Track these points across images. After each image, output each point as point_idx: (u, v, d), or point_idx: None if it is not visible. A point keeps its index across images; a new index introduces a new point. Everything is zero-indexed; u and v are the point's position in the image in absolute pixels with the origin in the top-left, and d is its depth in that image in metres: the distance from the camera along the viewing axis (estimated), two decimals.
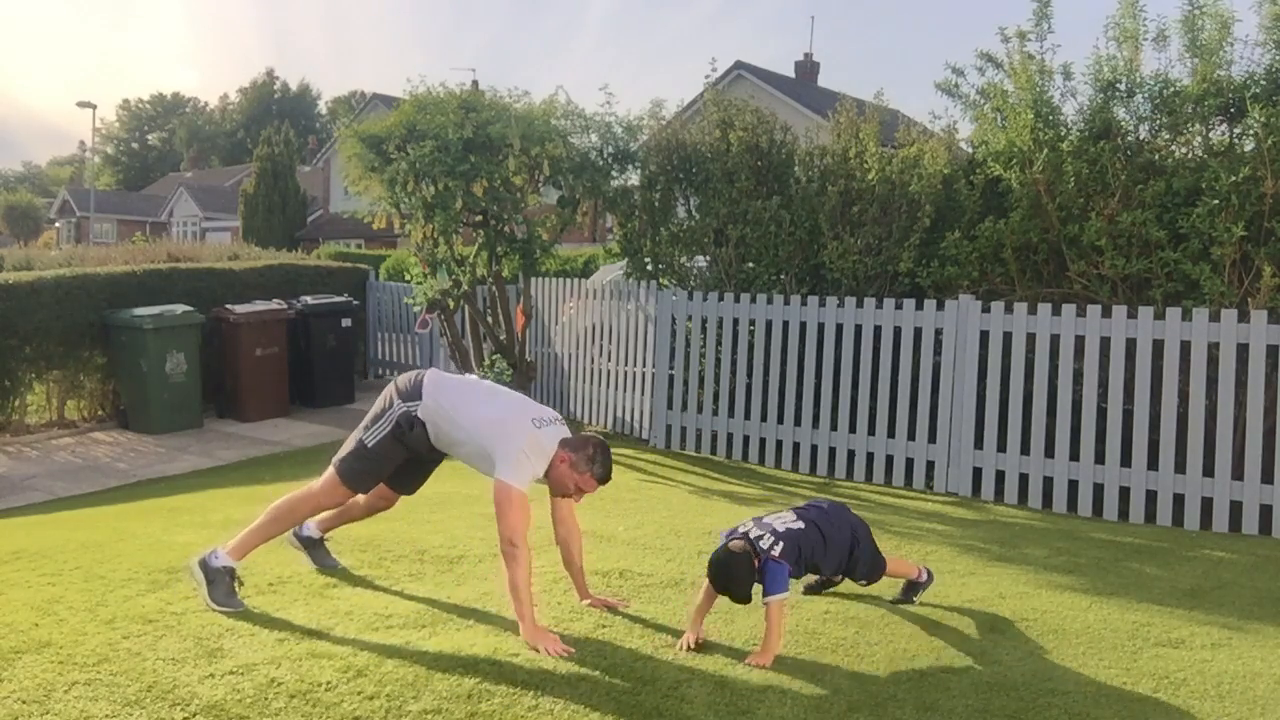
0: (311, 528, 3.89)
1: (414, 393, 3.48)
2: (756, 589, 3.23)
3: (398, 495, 3.82)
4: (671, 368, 7.79)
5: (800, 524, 3.41)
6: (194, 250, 12.72)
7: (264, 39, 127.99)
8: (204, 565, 3.45)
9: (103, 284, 9.13)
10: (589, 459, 3.37)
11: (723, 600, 3.51)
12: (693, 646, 3.17)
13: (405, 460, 3.59)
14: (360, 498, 3.78)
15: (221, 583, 3.42)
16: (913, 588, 3.80)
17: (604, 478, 3.42)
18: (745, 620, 3.45)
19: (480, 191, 7.67)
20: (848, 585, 3.86)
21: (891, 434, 6.65)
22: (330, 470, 3.58)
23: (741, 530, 3.35)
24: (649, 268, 8.35)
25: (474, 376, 3.69)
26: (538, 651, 3.07)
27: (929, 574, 3.85)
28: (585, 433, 3.47)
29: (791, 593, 3.35)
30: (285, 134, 33.82)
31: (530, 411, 3.45)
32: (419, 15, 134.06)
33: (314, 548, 3.92)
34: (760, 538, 3.29)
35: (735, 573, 3.19)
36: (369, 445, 3.51)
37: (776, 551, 3.26)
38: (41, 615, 3.29)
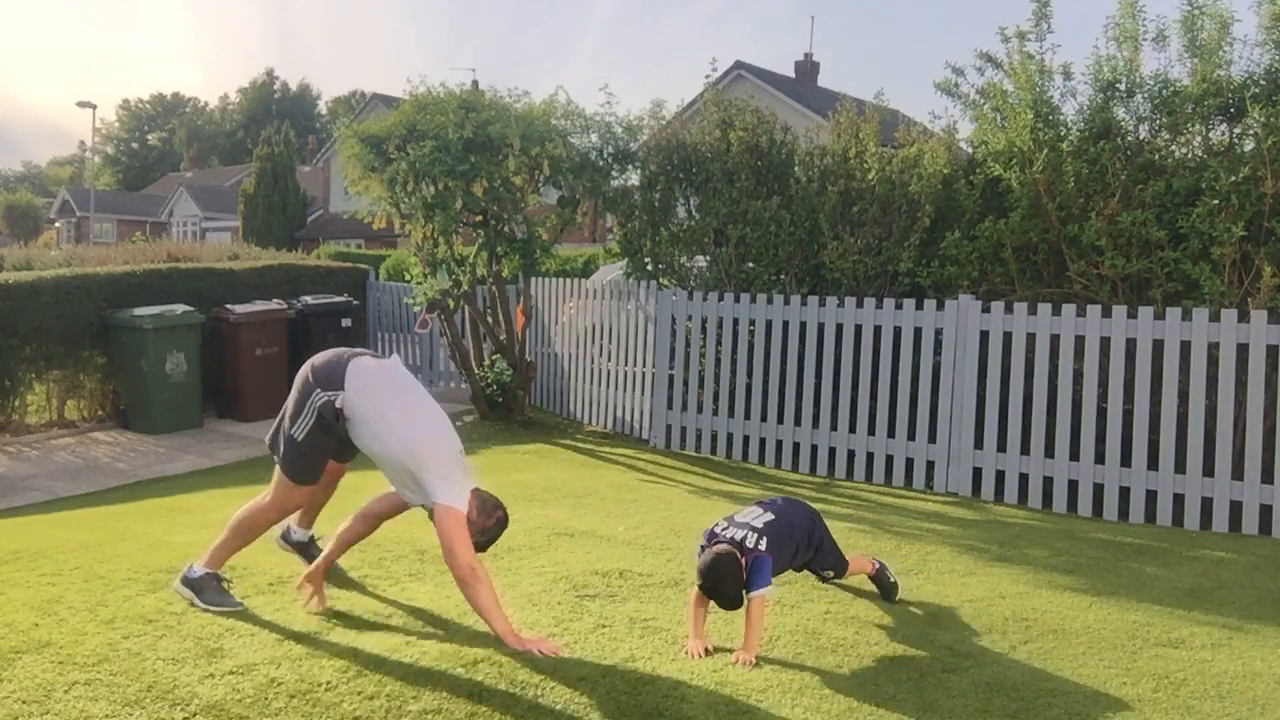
0: (297, 530, 3.88)
1: (334, 380, 3.27)
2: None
3: (343, 466, 3.64)
4: (671, 368, 7.79)
5: (770, 514, 3.46)
6: (194, 250, 12.70)
7: (266, 38, 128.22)
8: (186, 581, 3.44)
9: (103, 284, 9.12)
10: (483, 528, 3.21)
11: None
12: (702, 655, 3.16)
13: (340, 440, 3.41)
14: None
15: (209, 586, 3.42)
16: (881, 583, 3.83)
17: (482, 549, 3.25)
18: (745, 621, 3.45)
19: (480, 191, 7.67)
20: (847, 584, 3.86)
21: (891, 434, 6.65)
22: (278, 473, 3.44)
23: (720, 533, 3.36)
24: (649, 268, 8.35)
25: (398, 367, 3.45)
26: (530, 654, 3.05)
27: (878, 563, 3.88)
28: (497, 499, 3.32)
29: (775, 587, 3.36)
30: (285, 134, 33.84)
31: (457, 441, 3.31)
32: (421, 15, 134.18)
33: (307, 549, 3.91)
34: (745, 537, 3.31)
35: (724, 574, 3.19)
36: (298, 439, 3.34)
37: (763, 546, 3.29)
38: (41, 615, 3.29)
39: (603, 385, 8.67)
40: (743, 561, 3.23)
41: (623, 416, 8.41)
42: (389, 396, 3.30)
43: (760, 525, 3.38)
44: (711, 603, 3.32)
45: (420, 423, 3.28)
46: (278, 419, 3.50)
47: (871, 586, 3.87)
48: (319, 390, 3.29)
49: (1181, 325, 5.62)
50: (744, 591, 3.23)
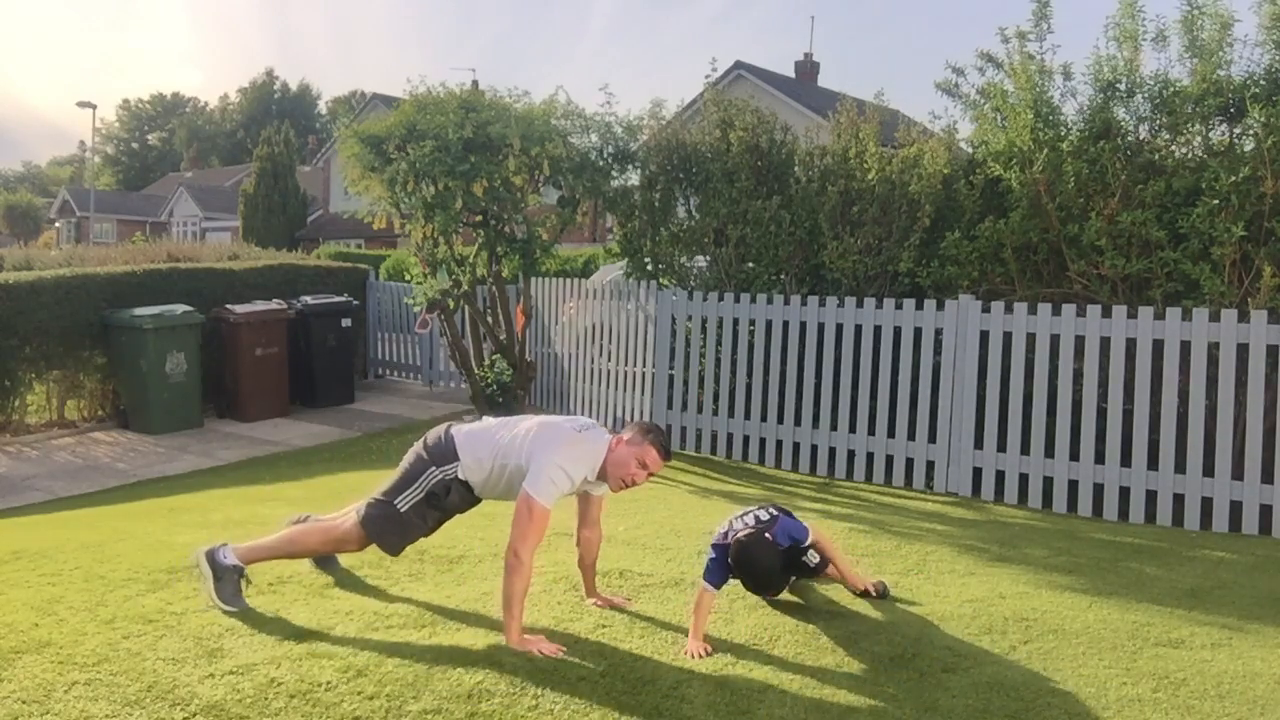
0: None
1: (448, 453, 3.38)
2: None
3: None
4: (671, 368, 7.79)
5: (754, 506, 3.58)
6: (194, 250, 12.70)
7: (266, 39, 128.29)
8: (211, 559, 3.42)
9: (103, 284, 9.12)
10: (644, 430, 3.36)
11: (724, 600, 3.52)
12: (702, 655, 3.16)
13: (439, 519, 3.51)
14: None
15: (230, 581, 3.41)
16: (869, 593, 3.81)
17: (664, 446, 3.38)
18: (745, 620, 3.45)
19: (480, 191, 7.67)
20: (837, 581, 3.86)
21: (891, 434, 6.64)
22: (356, 524, 3.46)
23: (729, 529, 3.40)
24: (649, 268, 8.35)
25: (485, 420, 3.60)
26: (530, 654, 3.07)
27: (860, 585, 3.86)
28: (640, 426, 3.50)
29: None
30: (285, 134, 33.83)
31: (571, 422, 3.42)
32: (422, 15, 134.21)
33: None
34: (756, 518, 3.43)
35: (758, 552, 3.25)
36: (401, 511, 3.40)
37: (775, 513, 3.43)
38: (41, 615, 3.29)
39: (603, 385, 8.67)
40: (769, 536, 3.30)
41: (623, 416, 8.40)
42: (493, 433, 3.40)
43: (756, 510, 3.50)
44: (712, 607, 3.32)
45: (522, 436, 3.34)
46: (385, 488, 3.47)
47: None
48: (434, 468, 3.38)
49: (1181, 325, 5.61)
50: (801, 543, 3.33)
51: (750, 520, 3.43)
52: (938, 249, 6.94)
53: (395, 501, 3.40)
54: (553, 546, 4.36)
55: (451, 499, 3.40)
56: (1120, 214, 6.12)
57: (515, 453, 3.30)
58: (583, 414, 8.87)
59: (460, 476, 3.36)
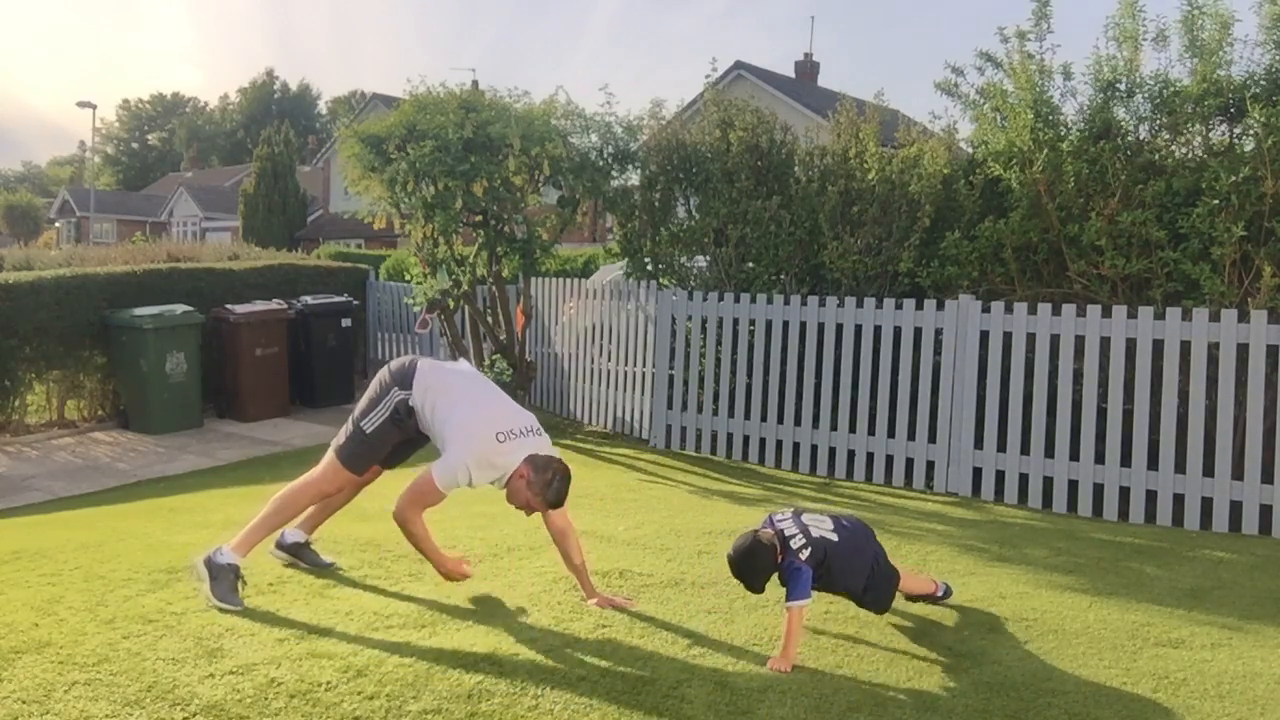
0: (292, 532, 3.89)
1: (406, 381, 3.59)
2: (773, 585, 3.22)
3: (380, 469, 3.85)
4: (671, 368, 7.79)
5: (835, 536, 3.31)
6: (194, 250, 12.70)
7: (266, 38, 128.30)
8: (208, 562, 3.47)
9: (103, 284, 9.13)
10: (545, 483, 3.37)
11: (723, 600, 3.52)
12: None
13: (400, 440, 3.70)
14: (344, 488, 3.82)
15: (225, 579, 3.43)
16: (928, 600, 3.73)
17: (554, 504, 3.44)
18: (745, 620, 3.45)
19: (480, 191, 7.67)
20: None
21: (891, 434, 6.64)
22: (330, 455, 3.67)
23: (779, 522, 3.30)
24: (649, 268, 8.35)
25: (467, 369, 3.82)
26: (451, 579, 3.57)
27: (946, 589, 3.74)
28: (553, 456, 3.47)
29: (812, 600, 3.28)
30: (285, 134, 33.82)
31: (499, 424, 3.45)
32: (422, 15, 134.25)
33: (302, 551, 3.91)
34: (793, 536, 3.23)
35: (756, 563, 3.17)
36: (368, 431, 3.61)
37: (804, 555, 3.19)
38: (41, 615, 3.29)
39: (603, 385, 8.67)
40: (780, 558, 3.19)
41: (623, 416, 8.41)
42: (440, 390, 3.57)
43: (815, 536, 3.25)
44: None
45: (459, 412, 3.50)
46: (348, 421, 3.73)
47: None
48: (397, 388, 3.61)
49: (1181, 325, 5.61)
50: (785, 596, 3.18)
51: (791, 532, 3.22)
52: (938, 249, 6.94)
53: (362, 424, 3.63)
54: (553, 546, 4.35)
55: (411, 422, 3.59)
56: (1120, 214, 6.12)
57: (441, 435, 3.49)
58: (583, 414, 8.87)
59: (410, 403, 3.57)
